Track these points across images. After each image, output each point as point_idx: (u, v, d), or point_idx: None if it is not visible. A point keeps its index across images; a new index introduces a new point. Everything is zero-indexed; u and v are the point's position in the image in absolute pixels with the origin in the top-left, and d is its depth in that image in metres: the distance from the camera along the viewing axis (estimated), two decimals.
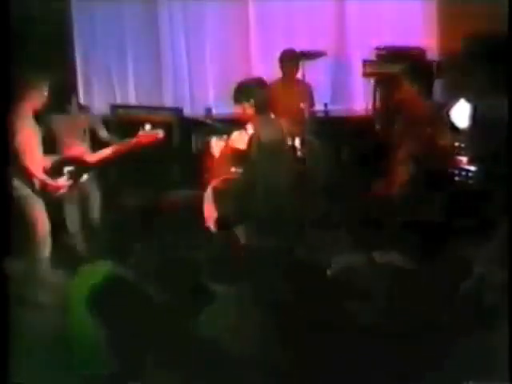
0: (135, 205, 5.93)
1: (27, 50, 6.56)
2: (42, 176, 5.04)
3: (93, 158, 5.45)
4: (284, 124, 5.51)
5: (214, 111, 7.32)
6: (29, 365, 3.51)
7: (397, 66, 6.18)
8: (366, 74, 7.45)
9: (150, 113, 6.99)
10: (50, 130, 5.47)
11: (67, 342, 3.57)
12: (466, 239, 4.36)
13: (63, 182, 5.16)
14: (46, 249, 5.07)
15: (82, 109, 5.99)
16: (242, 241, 4.90)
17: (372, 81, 7.42)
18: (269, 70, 7.15)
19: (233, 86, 5.33)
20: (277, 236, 4.65)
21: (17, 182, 4.95)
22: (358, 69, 7.58)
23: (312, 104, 6.89)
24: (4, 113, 4.79)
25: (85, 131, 5.71)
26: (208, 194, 5.25)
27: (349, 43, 7.99)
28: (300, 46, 7.40)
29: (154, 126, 5.49)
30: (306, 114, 6.53)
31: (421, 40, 7.51)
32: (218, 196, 5.19)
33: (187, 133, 6.91)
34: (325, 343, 3.28)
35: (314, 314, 3.45)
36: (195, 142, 6.76)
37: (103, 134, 5.80)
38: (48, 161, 5.18)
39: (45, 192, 5.07)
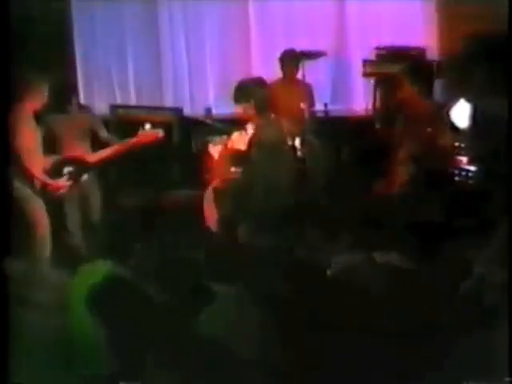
0: (135, 205, 5.93)
1: (27, 50, 6.56)
2: (42, 176, 5.04)
3: (93, 157, 5.45)
4: (284, 124, 5.51)
5: (214, 111, 7.33)
6: (29, 365, 3.50)
7: (397, 66, 6.18)
8: (366, 74, 7.45)
9: (150, 113, 7.00)
10: (50, 130, 5.47)
11: (67, 341, 3.56)
12: (466, 239, 4.35)
13: (63, 182, 5.16)
14: (46, 249, 5.07)
15: (82, 109, 6.00)
16: (242, 240, 4.90)
17: (372, 81, 7.43)
18: (269, 70, 7.16)
19: (233, 86, 5.33)
20: (277, 236, 4.65)
21: (17, 183, 4.95)
22: (358, 69, 7.59)
23: (312, 104, 6.89)
24: (4, 113, 4.79)
25: (85, 131, 5.72)
26: (208, 194, 5.26)
27: (349, 43, 8.00)
28: (300, 45, 7.41)
29: (154, 125, 5.50)
30: (306, 114, 6.54)
31: (421, 40, 7.52)
32: (218, 196, 5.20)
33: (187, 133, 6.91)
34: (325, 343, 3.27)
35: (313, 313, 3.45)
36: (195, 142, 6.76)
37: (103, 133, 5.81)
38: (48, 161, 5.18)
39: (45, 192, 5.07)
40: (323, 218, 5.42)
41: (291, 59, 6.91)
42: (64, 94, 5.67)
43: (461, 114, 5.32)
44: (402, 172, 5.29)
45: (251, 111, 5.17)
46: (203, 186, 5.38)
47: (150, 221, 5.17)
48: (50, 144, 5.34)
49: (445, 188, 5.03)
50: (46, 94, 5.08)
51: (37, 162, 5.04)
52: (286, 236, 4.73)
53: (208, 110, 7.32)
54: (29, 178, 5.00)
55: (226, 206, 5.11)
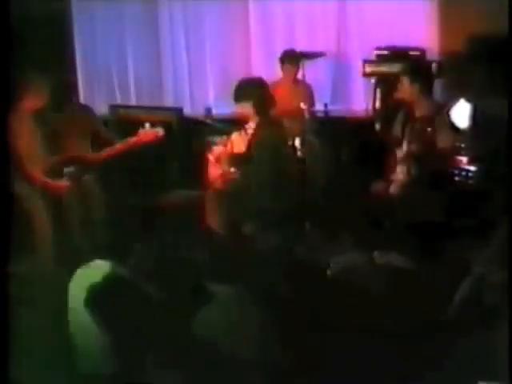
0: (135, 205, 5.92)
1: (27, 50, 6.56)
2: (41, 176, 5.04)
3: (93, 157, 5.45)
4: (284, 124, 5.51)
5: (214, 111, 7.32)
6: (29, 365, 3.51)
7: (397, 66, 6.17)
8: (365, 74, 7.45)
9: (150, 113, 6.99)
10: (50, 130, 5.46)
11: (67, 341, 3.56)
12: (466, 239, 4.36)
13: (63, 182, 5.16)
14: (46, 249, 5.07)
15: (83, 109, 6.00)
16: (242, 241, 4.90)
17: (372, 81, 7.42)
18: (269, 70, 7.16)
19: (233, 86, 5.33)
20: (277, 236, 4.65)
21: (17, 183, 4.95)
22: (358, 69, 7.58)
23: (312, 104, 6.88)
24: (4, 113, 4.79)
25: (85, 131, 5.72)
26: (208, 194, 5.26)
27: (349, 43, 7.99)
28: (300, 46, 7.41)
29: (154, 125, 5.50)
30: (306, 114, 6.53)
31: (421, 40, 7.51)
32: (218, 196, 5.20)
33: (187, 133, 6.91)
34: (325, 343, 3.28)
35: (313, 313, 3.45)
36: (195, 142, 6.76)
37: (103, 133, 5.81)
38: (48, 161, 5.18)
39: (45, 192, 5.07)
40: (323, 218, 5.42)
41: (291, 59, 6.91)
42: (64, 94, 5.67)
43: (461, 113, 5.31)
44: (402, 172, 5.28)
45: (251, 111, 5.17)
46: (203, 186, 5.37)
47: (149, 221, 5.17)
48: (50, 144, 5.34)
49: (445, 188, 5.02)
50: (45, 93, 5.08)
51: (36, 162, 5.04)
52: (286, 236, 4.73)
53: (208, 110, 7.30)
54: (29, 178, 5.00)
55: (226, 207, 5.11)
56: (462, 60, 6.87)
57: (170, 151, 6.69)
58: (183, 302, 3.35)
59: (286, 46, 7.16)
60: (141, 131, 5.40)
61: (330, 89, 8.03)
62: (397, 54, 7.22)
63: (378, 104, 7.36)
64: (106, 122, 6.29)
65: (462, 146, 5.21)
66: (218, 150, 5.29)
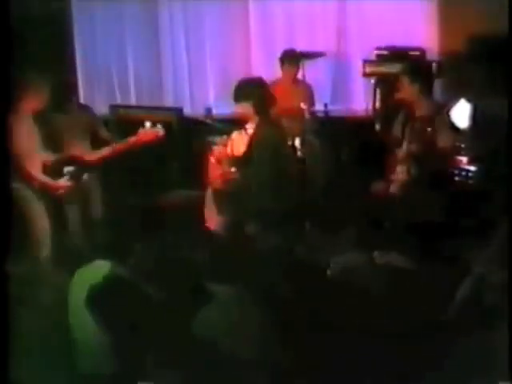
0: (135, 205, 5.92)
1: (27, 50, 6.56)
2: (41, 176, 5.03)
3: (93, 157, 5.45)
4: (284, 124, 5.51)
5: (214, 111, 7.32)
6: (29, 365, 3.51)
7: (397, 66, 6.18)
8: (366, 74, 7.45)
9: (150, 113, 6.98)
10: (49, 130, 5.46)
11: (67, 341, 3.56)
12: (466, 239, 4.36)
13: (63, 182, 5.16)
14: (46, 249, 5.07)
15: (82, 109, 6.00)
16: (242, 241, 4.90)
17: (372, 81, 7.43)
18: (269, 70, 7.16)
19: (233, 86, 5.33)
20: (277, 236, 4.65)
21: (17, 183, 4.95)
22: (358, 69, 7.59)
23: (312, 104, 6.89)
24: (4, 113, 4.79)
25: (85, 131, 5.72)
26: (208, 195, 5.26)
27: (349, 43, 8.00)
28: (300, 46, 7.41)
29: (154, 125, 5.50)
30: (306, 114, 6.54)
31: (421, 40, 7.52)
32: (218, 196, 5.19)
33: (187, 133, 6.91)
34: (325, 343, 3.28)
35: (313, 314, 3.45)
36: (195, 142, 6.76)
37: (103, 133, 5.81)
38: (48, 161, 5.18)
39: (45, 192, 5.07)
40: (323, 218, 5.42)
41: (291, 59, 6.91)
42: (64, 94, 5.66)
43: (461, 113, 5.32)
44: (402, 172, 5.29)
45: (251, 111, 5.17)
46: (203, 186, 5.37)
47: (149, 221, 5.17)
48: (50, 144, 5.34)
49: (445, 188, 5.03)
50: (45, 94, 5.08)
51: (36, 162, 5.04)
52: (286, 236, 4.73)
53: (208, 110, 7.31)
54: (28, 178, 5.00)
55: (226, 207, 5.11)
56: (462, 60, 6.87)
57: (170, 151, 6.69)
58: (183, 302, 3.35)
59: (286, 46, 7.16)
60: (141, 131, 5.40)
61: (330, 89, 8.04)
62: (397, 54, 7.23)
63: (377, 104, 7.36)
64: (106, 121, 6.29)
65: (462, 146, 5.22)
66: (218, 150, 5.29)
